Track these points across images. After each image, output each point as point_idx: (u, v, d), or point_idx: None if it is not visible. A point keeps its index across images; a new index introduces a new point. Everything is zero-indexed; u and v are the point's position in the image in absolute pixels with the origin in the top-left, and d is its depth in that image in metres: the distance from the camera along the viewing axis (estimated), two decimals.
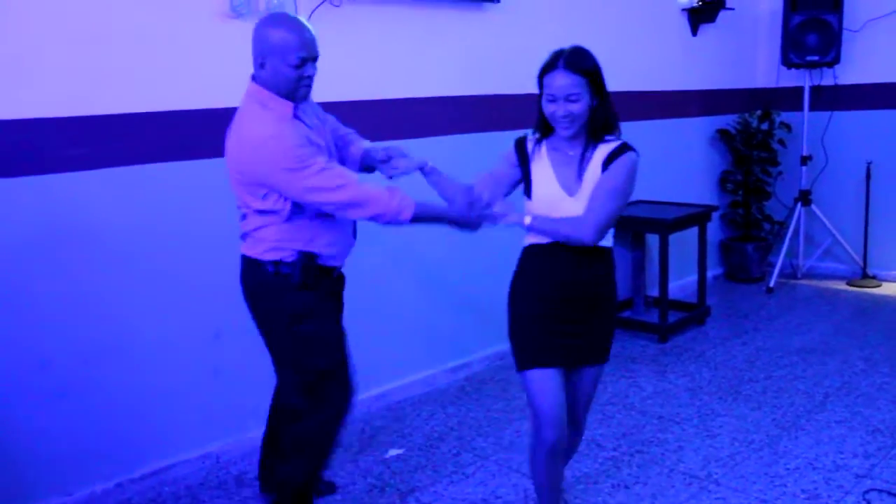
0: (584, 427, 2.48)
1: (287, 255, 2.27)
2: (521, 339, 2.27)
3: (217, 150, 2.87)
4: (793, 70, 5.29)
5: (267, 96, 2.18)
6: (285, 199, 2.19)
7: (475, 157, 3.77)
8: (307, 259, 2.27)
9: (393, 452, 3.09)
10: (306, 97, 2.26)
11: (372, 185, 2.22)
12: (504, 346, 3.98)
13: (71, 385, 2.63)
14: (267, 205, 2.21)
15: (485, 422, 3.35)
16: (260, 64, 2.17)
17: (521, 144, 2.26)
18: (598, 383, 2.39)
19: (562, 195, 2.16)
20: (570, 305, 2.22)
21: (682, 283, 5.03)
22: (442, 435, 3.23)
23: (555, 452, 2.25)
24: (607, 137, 2.18)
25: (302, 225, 2.26)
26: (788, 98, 5.49)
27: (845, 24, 5.04)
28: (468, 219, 2.26)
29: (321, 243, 2.30)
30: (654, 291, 4.62)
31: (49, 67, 2.50)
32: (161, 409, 2.84)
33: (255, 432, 3.08)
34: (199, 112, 2.83)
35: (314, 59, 2.20)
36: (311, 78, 2.21)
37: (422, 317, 3.64)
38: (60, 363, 2.60)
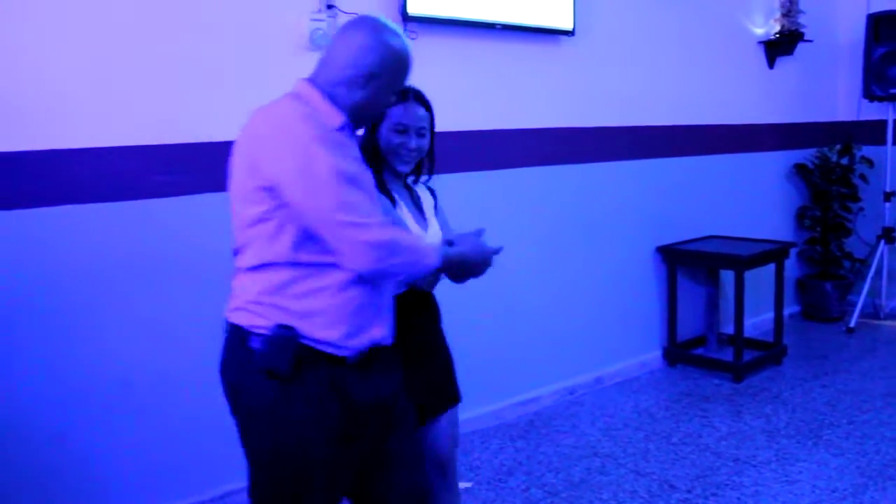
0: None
1: None
2: None
3: None
4: (875, 103, 5.14)
5: None
6: None
7: (553, 189, 3.79)
8: None
9: (462, 485, 3.05)
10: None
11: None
12: (575, 380, 3.99)
13: (150, 404, 2.70)
14: None
15: (555, 457, 3.29)
16: None
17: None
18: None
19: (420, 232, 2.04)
20: None
21: (755, 321, 4.88)
22: (511, 469, 3.19)
23: None
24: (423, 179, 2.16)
25: None
26: (870, 131, 5.32)
27: None
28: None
29: None
30: (727, 329, 4.50)
31: (138, 97, 2.61)
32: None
33: None
34: None
35: None
36: None
37: (491, 349, 3.61)
38: (142, 383, 2.68)
